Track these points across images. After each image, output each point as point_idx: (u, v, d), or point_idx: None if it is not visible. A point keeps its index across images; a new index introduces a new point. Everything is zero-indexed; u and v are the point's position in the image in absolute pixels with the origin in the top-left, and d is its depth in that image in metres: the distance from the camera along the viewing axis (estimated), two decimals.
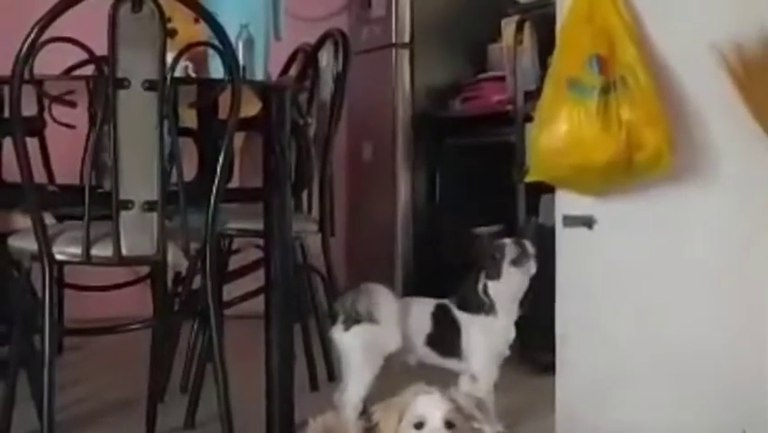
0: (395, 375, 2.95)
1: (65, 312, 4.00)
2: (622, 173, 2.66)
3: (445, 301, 3.03)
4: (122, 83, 2.59)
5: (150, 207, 2.65)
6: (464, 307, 3.00)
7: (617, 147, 2.61)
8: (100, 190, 2.73)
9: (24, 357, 3.00)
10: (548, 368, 3.12)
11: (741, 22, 2.62)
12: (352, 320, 2.89)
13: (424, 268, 5.02)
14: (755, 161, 2.63)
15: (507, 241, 3.02)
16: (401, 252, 5.08)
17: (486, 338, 3.00)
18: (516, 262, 2.98)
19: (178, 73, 2.76)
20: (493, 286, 3.00)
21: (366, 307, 2.87)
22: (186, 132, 3.47)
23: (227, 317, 3.17)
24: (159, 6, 2.59)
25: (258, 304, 3.15)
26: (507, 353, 3.05)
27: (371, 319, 2.87)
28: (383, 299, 2.91)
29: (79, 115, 3.57)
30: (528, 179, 2.85)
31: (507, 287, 3.00)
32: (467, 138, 4.79)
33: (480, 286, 3.00)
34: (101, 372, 4.10)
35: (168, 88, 2.63)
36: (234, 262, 3.80)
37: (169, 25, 2.73)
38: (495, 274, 3.00)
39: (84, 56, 2.68)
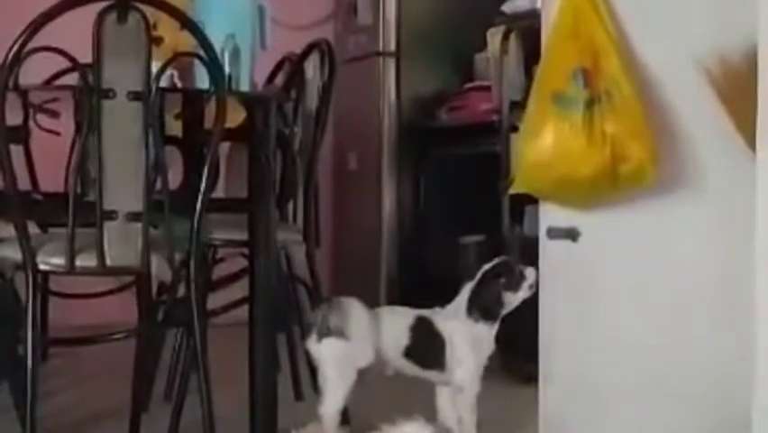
0: (376, 386, 2.97)
1: (50, 319, 3.99)
2: (607, 186, 2.67)
3: (426, 313, 3.01)
4: (107, 93, 2.59)
5: (134, 217, 2.65)
6: (485, 312, 2.98)
7: (601, 160, 2.61)
8: (85, 199, 2.73)
9: (7, 366, 2.99)
10: (530, 379, 3.13)
11: (725, 34, 2.63)
12: (324, 333, 2.88)
13: (408, 277, 5.02)
14: (739, 173, 2.63)
15: (530, 269, 3.01)
16: (386, 261, 5.08)
17: (474, 349, 2.99)
18: (532, 287, 2.99)
19: (163, 82, 2.76)
20: (507, 297, 3.00)
21: (336, 322, 2.86)
22: (171, 140, 3.47)
23: (211, 324, 3.17)
24: (144, 17, 2.60)
25: (242, 312, 3.15)
26: (487, 363, 3.05)
27: (342, 334, 2.87)
28: (354, 314, 2.90)
29: (65, 123, 3.57)
30: (513, 191, 2.85)
31: (514, 303, 3.01)
32: (452, 148, 4.80)
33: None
34: (85, 380, 4.09)
35: (153, 99, 2.63)
36: (219, 271, 3.80)
37: (155, 33, 2.74)
38: (515, 288, 2.99)
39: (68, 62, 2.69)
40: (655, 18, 2.73)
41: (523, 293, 2.99)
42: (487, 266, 3.04)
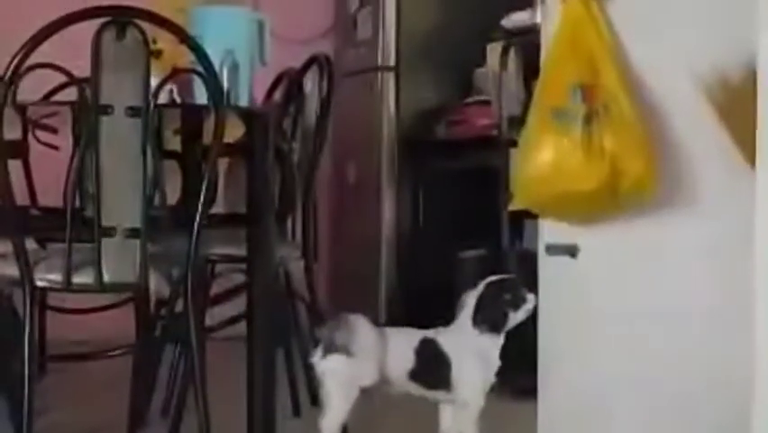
0: (376, 400, 2.96)
1: (48, 332, 3.98)
2: (606, 202, 2.66)
3: (430, 334, 3.00)
4: (105, 110, 2.59)
5: (132, 233, 2.65)
6: (492, 322, 2.96)
7: (600, 176, 2.60)
8: (83, 214, 2.73)
9: (4, 382, 2.99)
10: (527, 392, 3.11)
11: (725, 49, 2.63)
12: (329, 349, 2.87)
13: (407, 291, 5.02)
14: (738, 189, 2.62)
15: (531, 295, 3.00)
16: (385, 275, 5.07)
17: (481, 364, 2.98)
18: (529, 312, 2.98)
19: (162, 97, 2.76)
20: (509, 314, 3.00)
21: (343, 339, 2.85)
22: (170, 154, 3.47)
23: (209, 338, 3.17)
24: (143, 33, 2.60)
25: (241, 326, 3.15)
26: (494, 379, 3.04)
27: (347, 352, 2.85)
28: (361, 332, 2.89)
29: (63, 137, 3.57)
30: (512, 207, 2.85)
31: (511, 323, 3.00)
32: (452, 162, 4.80)
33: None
34: (82, 395, 4.07)
35: (151, 115, 2.63)
36: (217, 285, 3.80)
37: (154, 46, 2.74)
38: (516, 307, 2.98)
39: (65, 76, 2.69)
40: (654, 33, 2.73)
41: (521, 315, 2.98)
42: (492, 278, 3.03)
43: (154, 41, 2.73)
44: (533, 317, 2.97)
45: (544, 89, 2.74)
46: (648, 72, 2.71)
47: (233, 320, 3.44)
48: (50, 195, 3.86)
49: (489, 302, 2.98)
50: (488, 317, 2.97)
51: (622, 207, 2.70)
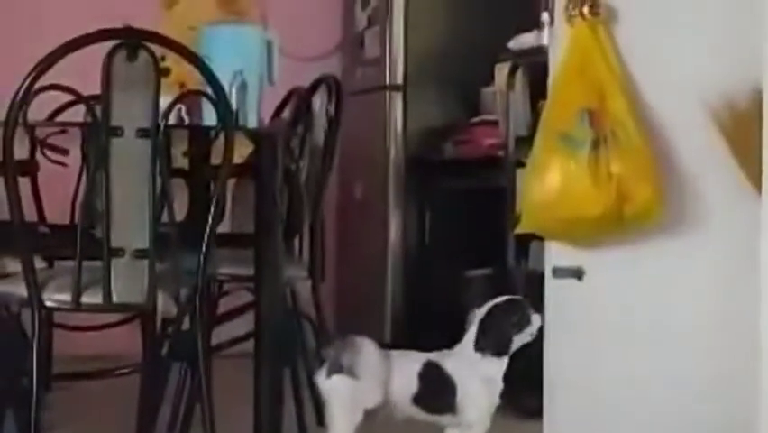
0: (381, 420, 2.96)
1: (54, 348, 3.98)
2: (612, 226, 2.67)
3: (435, 357, 3.00)
4: (115, 131, 2.60)
5: (141, 254, 2.66)
6: (495, 346, 2.95)
7: (607, 201, 2.62)
8: (92, 231, 2.74)
9: (12, 399, 2.99)
10: (534, 413, 3.11)
11: (731, 75, 2.65)
12: (334, 370, 2.87)
13: (413, 310, 5.01)
14: (743, 212, 2.64)
15: (537, 316, 2.99)
16: (391, 293, 5.06)
17: (486, 387, 2.97)
18: (533, 335, 2.97)
19: (171, 117, 2.77)
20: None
21: (348, 360, 2.86)
22: (178, 172, 3.48)
23: (216, 356, 3.17)
24: (153, 55, 2.61)
25: (248, 344, 3.15)
26: (499, 402, 3.04)
27: (352, 373, 2.85)
28: (366, 354, 2.89)
29: (72, 155, 3.58)
30: (518, 230, 2.86)
31: (514, 346, 3.00)
32: (458, 181, 4.80)
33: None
34: (89, 412, 4.08)
35: (161, 137, 2.64)
36: (224, 304, 3.80)
37: (163, 64, 2.75)
38: (520, 330, 2.97)
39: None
40: (662, 58, 2.75)
41: (524, 337, 2.97)
42: (497, 301, 3.02)
43: (162, 59, 2.74)
44: (539, 337, 2.98)
45: (552, 114, 2.75)
46: (655, 98, 2.72)
47: (240, 339, 3.44)
48: (57, 211, 3.88)
49: (493, 326, 2.97)
50: (490, 343, 2.96)
51: (629, 231, 2.71)
